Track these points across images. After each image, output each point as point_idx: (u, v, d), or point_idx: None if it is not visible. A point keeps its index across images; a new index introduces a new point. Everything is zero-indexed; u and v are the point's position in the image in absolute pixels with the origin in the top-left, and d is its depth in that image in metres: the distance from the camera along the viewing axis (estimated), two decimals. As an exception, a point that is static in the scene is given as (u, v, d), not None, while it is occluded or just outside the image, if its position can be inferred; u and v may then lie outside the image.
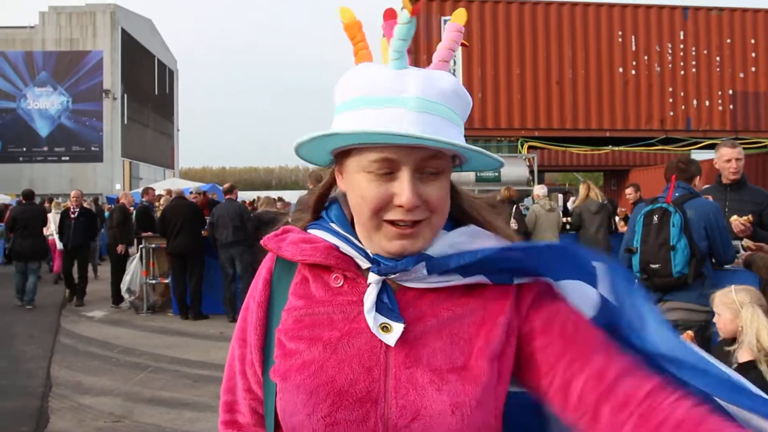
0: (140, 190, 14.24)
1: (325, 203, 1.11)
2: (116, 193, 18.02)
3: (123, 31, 36.80)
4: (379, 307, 0.97)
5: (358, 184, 0.98)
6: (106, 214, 12.74)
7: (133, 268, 9.65)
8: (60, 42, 35.84)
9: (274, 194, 15.59)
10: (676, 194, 3.93)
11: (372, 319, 0.96)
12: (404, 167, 0.94)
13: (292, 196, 16.00)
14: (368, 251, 1.01)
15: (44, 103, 35.70)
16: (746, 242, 4.22)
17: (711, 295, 3.22)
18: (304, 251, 1.04)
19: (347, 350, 0.98)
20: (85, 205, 11.54)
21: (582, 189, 9.39)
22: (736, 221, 4.30)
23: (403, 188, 0.94)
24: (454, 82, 0.99)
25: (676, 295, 3.83)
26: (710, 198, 4.25)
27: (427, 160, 0.95)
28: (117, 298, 9.85)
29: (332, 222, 1.06)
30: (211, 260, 9.10)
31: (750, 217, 4.33)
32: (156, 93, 42.80)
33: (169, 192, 12.29)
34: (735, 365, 2.92)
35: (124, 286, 9.62)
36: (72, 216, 10.24)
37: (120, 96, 36.24)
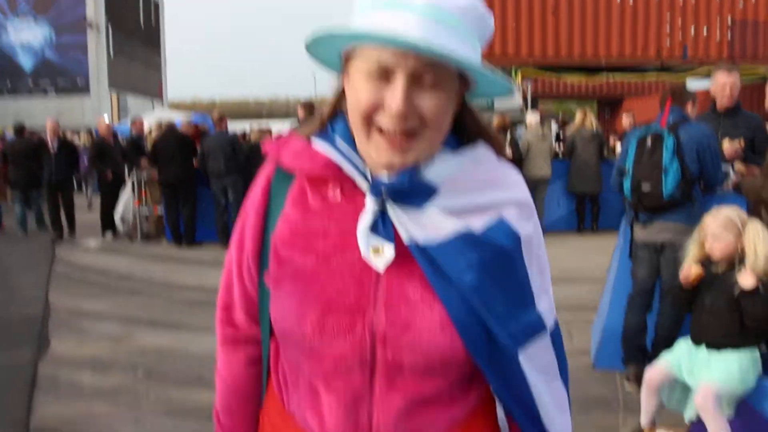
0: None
1: (334, 113, 1.08)
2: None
3: (104, -43, 35.43)
4: (374, 229, 0.96)
5: (355, 86, 0.97)
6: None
7: (125, 197, 9.65)
8: (39, -31, 34.52)
9: (265, 124, 15.40)
10: (671, 118, 3.92)
11: (365, 244, 0.95)
12: (400, 73, 0.92)
13: (282, 126, 15.82)
14: (368, 173, 0.99)
15: (27, 36, 34.72)
16: (737, 166, 4.26)
17: (703, 218, 3.24)
18: (303, 162, 1.02)
19: (340, 262, 0.98)
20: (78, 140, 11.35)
21: (578, 116, 9.36)
22: (728, 145, 4.32)
23: (394, 94, 0.92)
24: None
25: (665, 216, 3.87)
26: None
27: (426, 70, 0.92)
28: (106, 226, 9.87)
29: (337, 136, 1.04)
30: (203, 190, 9.13)
31: (741, 140, 4.35)
32: (142, 24, 41.62)
33: (159, 125, 12.11)
34: (738, 292, 2.97)
35: (117, 216, 9.65)
36: (52, 150, 9.80)
37: (104, 27, 35.26)
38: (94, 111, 34.13)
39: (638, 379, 3.53)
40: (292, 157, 1.04)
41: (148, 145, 10.94)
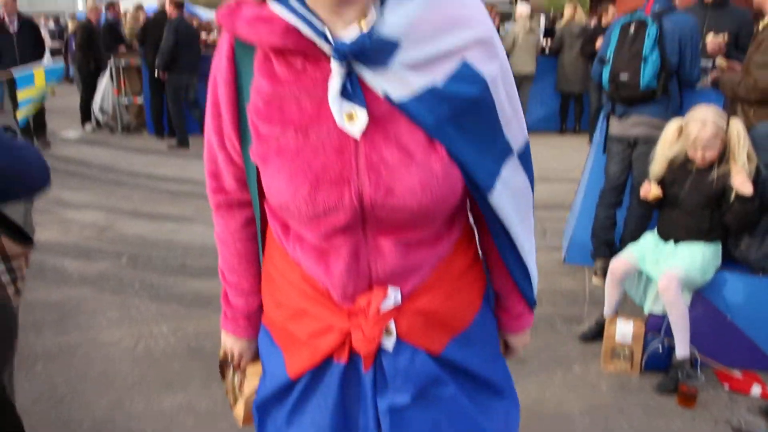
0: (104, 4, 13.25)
1: None
2: (82, 12, 16.75)
3: None
4: (344, 93, 0.96)
5: None
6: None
7: (104, 86, 9.40)
8: None
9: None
10: (656, 6, 3.83)
11: (337, 108, 0.95)
12: None
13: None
14: (327, 34, 0.96)
15: None
16: (719, 60, 4.22)
17: (684, 118, 3.23)
18: (260, 32, 0.98)
19: (318, 134, 0.99)
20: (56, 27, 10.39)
21: (567, 9, 9.03)
22: (712, 39, 4.26)
23: None
24: None
25: (641, 109, 3.86)
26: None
27: None
28: (86, 117, 9.65)
29: None
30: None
31: (725, 36, 4.29)
32: None
33: (137, 7, 11.56)
34: (734, 198, 3.00)
35: (95, 106, 9.45)
36: (10, 30, 7.57)
37: None
38: (67, -6, 32.44)
39: (605, 274, 3.67)
40: (247, 28, 1.00)
41: (126, 30, 10.51)
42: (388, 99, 0.97)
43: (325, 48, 0.96)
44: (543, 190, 5.49)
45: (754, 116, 3.59)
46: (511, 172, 1.10)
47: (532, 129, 8.77)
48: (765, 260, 3.12)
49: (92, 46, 9.27)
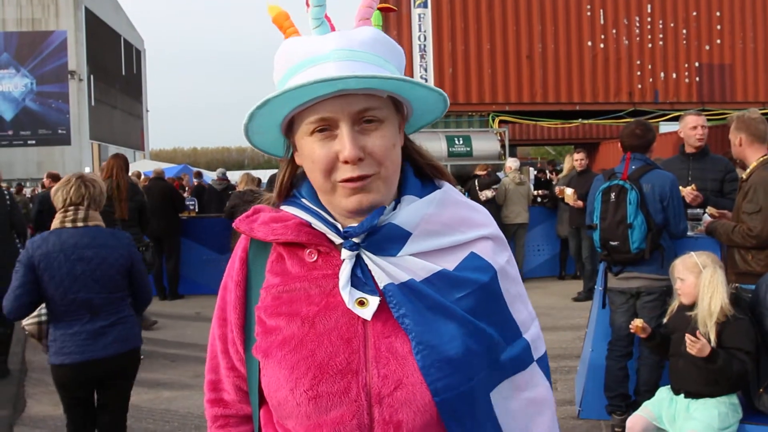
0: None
1: (292, 184, 1.11)
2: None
3: (87, 9, 35.80)
4: (354, 281, 0.97)
5: (306, 151, 1.00)
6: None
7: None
8: (21, 22, 34.79)
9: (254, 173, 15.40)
10: (633, 167, 3.97)
11: (347, 294, 0.96)
12: (342, 123, 0.96)
13: (264, 175, 15.87)
14: (339, 226, 1.01)
15: (7, 86, 34.72)
16: (710, 210, 4.33)
17: (672, 263, 3.31)
18: (275, 230, 1.03)
19: (326, 324, 0.98)
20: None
21: (567, 161, 9.39)
22: (685, 192, 4.37)
23: (344, 143, 0.95)
24: (374, 31, 1.00)
25: (636, 268, 3.93)
26: (670, 167, 4.34)
27: (364, 111, 0.96)
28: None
29: (303, 198, 1.07)
30: (186, 241, 9.06)
31: (693, 186, 4.42)
32: (123, 73, 41.90)
33: (137, 174, 12.06)
34: (697, 331, 2.97)
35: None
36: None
37: (86, 77, 35.37)
38: (75, 161, 34.01)
39: (624, 429, 3.52)
40: (264, 229, 1.05)
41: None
42: (395, 283, 0.98)
43: (336, 239, 1.00)
44: (547, 340, 5.40)
45: (753, 260, 3.63)
46: (529, 380, 1.05)
47: (530, 276, 8.94)
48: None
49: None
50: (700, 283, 3.06)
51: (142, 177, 11.29)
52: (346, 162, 0.95)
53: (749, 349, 2.95)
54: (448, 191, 1.08)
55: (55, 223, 3.06)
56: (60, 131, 35.23)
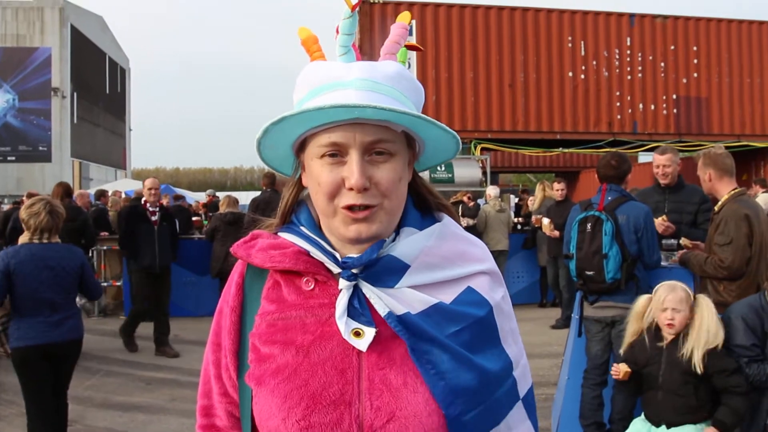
0: (93, 191, 13.76)
1: (294, 207, 1.11)
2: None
3: (72, 27, 35.74)
4: (351, 312, 0.97)
5: (314, 173, 1.00)
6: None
7: (84, 270, 9.42)
8: (6, 38, 34.64)
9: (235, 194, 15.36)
10: (609, 198, 4.06)
11: (343, 324, 0.96)
12: (352, 150, 0.96)
13: (246, 198, 15.85)
14: (337, 255, 1.01)
15: (-12, 101, 34.45)
16: (684, 241, 4.42)
17: (655, 290, 3.29)
18: (273, 258, 1.03)
19: (320, 353, 0.98)
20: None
21: (538, 190, 9.50)
22: (656, 223, 4.46)
23: (351, 170, 0.96)
24: (399, 67, 1.02)
25: (611, 297, 4.00)
26: (647, 198, 4.44)
27: (376, 142, 0.97)
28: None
29: (302, 225, 1.07)
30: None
31: (664, 217, 4.52)
32: (107, 92, 41.75)
33: (116, 193, 12.05)
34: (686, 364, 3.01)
35: (74, 290, 9.40)
36: None
37: (69, 94, 35.19)
38: (55, 178, 33.62)
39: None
40: (262, 255, 1.04)
41: (111, 216, 10.81)
42: (393, 315, 0.98)
43: (334, 268, 1.01)
44: (526, 367, 5.42)
45: (724, 291, 3.71)
46: (515, 419, 1.05)
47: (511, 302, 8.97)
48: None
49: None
50: (698, 313, 3.11)
51: (123, 196, 11.22)
52: (351, 189, 0.96)
53: (735, 367, 3.02)
54: (447, 224, 1.09)
55: (24, 239, 3.85)
56: (41, 148, 34.88)
